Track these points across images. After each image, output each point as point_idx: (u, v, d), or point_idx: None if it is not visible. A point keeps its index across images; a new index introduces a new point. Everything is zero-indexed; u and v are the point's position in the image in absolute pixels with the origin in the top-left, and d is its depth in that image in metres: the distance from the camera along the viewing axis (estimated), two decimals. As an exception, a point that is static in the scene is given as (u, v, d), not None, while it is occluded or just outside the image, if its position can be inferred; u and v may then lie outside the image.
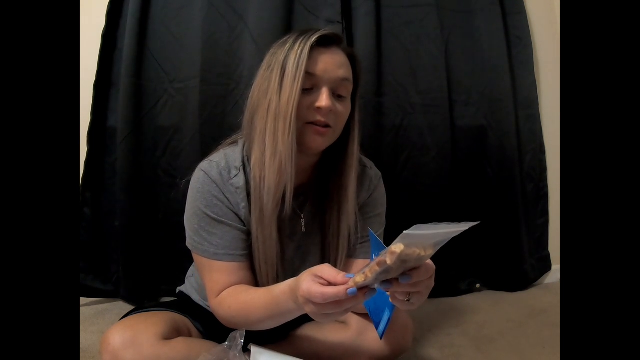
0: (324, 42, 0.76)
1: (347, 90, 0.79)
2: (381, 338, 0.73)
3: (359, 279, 0.55)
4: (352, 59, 0.81)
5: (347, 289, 0.56)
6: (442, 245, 0.53)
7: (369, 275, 0.54)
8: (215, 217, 0.77)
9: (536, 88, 1.58)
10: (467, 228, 0.49)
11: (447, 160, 1.46)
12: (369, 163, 0.92)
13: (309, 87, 0.75)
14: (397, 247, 0.49)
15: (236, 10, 1.35)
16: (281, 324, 0.73)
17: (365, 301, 0.70)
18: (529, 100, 1.57)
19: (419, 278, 0.55)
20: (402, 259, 0.50)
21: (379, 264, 0.52)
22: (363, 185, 0.88)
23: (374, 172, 0.92)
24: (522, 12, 1.55)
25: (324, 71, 0.75)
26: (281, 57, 0.75)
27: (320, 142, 0.77)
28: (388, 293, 0.70)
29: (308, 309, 0.61)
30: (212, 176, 0.78)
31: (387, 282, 0.56)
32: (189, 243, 0.80)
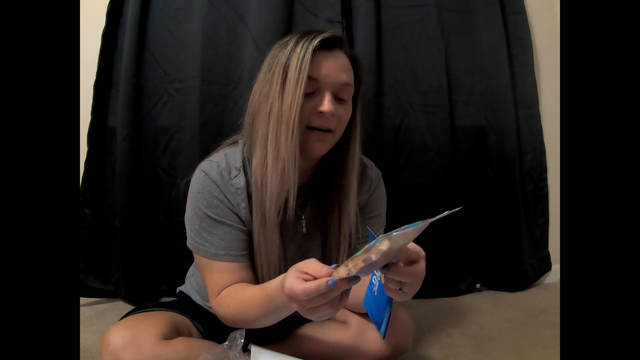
0: (326, 45, 0.75)
1: (348, 94, 0.79)
2: (384, 337, 0.72)
3: (342, 272, 0.55)
4: (354, 61, 0.81)
5: (328, 281, 0.55)
6: (421, 231, 0.55)
7: (353, 270, 0.54)
8: (216, 217, 0.77)
9: (536, 88, 1.58)
10: (446, 215, 0.53)
11: (447, 160, 1.46)
12: (369, 163, 0.92)
13: (311, 91, 0.74)
14: (384, 244, 0.51)
15: (236, 10, 1.35)
16: (279, 320, 0.72)
17: (367, 304, 0.70)
18: (529, 100, 1.57)
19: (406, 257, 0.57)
20: (386, 254, 0.52)
21: (364, 260, 0.53)
22: (363, 186, 0.88)
23: (374, 172, 0.92)
24: (522, 12, 1.55)
25: (327, 75, 0.74)
26: (283, 60, 0.74)
27: (321, 147, 0.77)
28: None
29: (295, 307, 0.60)
30: (212, 176, 0.78)
31: (385, 267, 0.56)
32: (189, 243, 0.80)
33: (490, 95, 1.50)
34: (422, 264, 0.58)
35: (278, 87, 0.73)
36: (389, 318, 0.70)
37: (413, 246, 0.57)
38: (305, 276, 0.58)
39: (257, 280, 0.80)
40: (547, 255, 1.64)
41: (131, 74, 1.32)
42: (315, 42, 0.73)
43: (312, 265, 0.59)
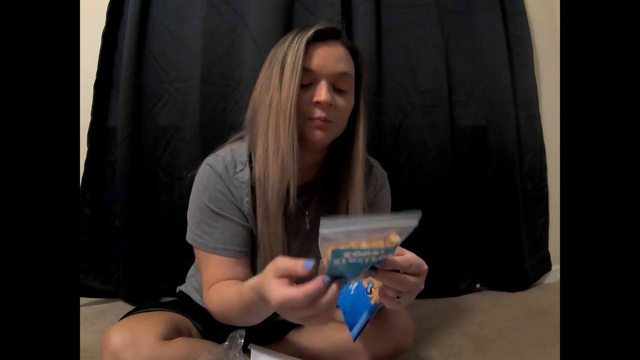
0: (321, 37, 0.76)
1: (347, 84, 0.78)
2: (354, 340, 0.71)
3: (323, 265, 0.51)
4: (354, 52, 0.81)
5: (323, 280, 0.50)
6: (383, 234, 0.49)
7: (325, 264, 0.51)
8: (218, 210, 0.77)
9: (536, 88, 1.59)
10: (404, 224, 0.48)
11: (447, 160, 1.47)
12: (375, 163, 0.93)
13: (308, 82, 0.75)
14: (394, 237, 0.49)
15: (236, 10, 1.36)
16: (261, 320, 0.70)
17: (342, 303, 0.69)
18: (529, 100, 1.57)
19: (393, 266, 0.53)
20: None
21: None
22: (369, 185, 0.88)
23: (380, 171, 0.92)
24: (522, 12, 1.56)
25: (321, 66, 0.75)
26: (280, 55, 0.75)
27: (321, 136, 0.77)
28: (370, 295, 0.69)
29: (291, 317, 0.54)
30: (217, 170, 0.78)
31: (373, 269, 0.53)
32: (188, 236, 0.80)
33: (490, 95, 1.51)
34: (420, 279, 0.57)
35: (277, 81, 0.74)
36: (365, 324, 0.69)
37: (414, 262, 0.55)
38: (283, 280, 0.53)
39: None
40: (547, 255, 1.64)
41: (131, 74, 1.32)
42: (309, 33, 0.74)
43: (282, 263, 0.54)
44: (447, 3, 1.49)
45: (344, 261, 0.49)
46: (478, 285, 1.58)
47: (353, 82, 0.80)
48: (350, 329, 0.71)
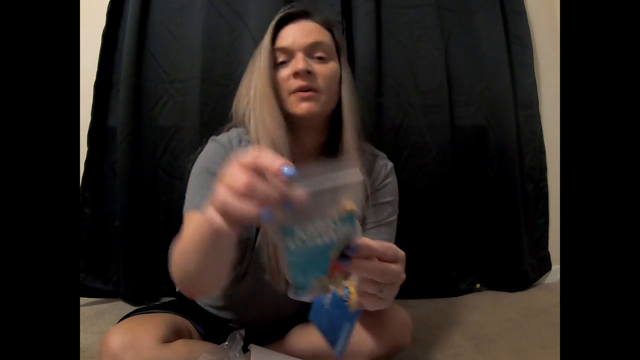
0: (291, 19, 0.82)
1: (325, 52, 0.81)
2: (341, 354, 0.63)
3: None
4: (327, 25, 0.85)
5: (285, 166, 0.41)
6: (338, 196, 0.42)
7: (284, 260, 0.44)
8: (216, 173, 0.77)
9: (536, 88, 1.59)
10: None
11: (447, 160, 1.47)
12: (381, 154, 0.94)
13: (285, 59, 0.80)
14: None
15: (236, 10, 1.36)
16: (220, 265, 0.58)
17: (315, 317, 0.64)
18: (529, 100, 1.57)
19: (368, 251, 0.48)
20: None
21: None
22: (374, 171, 0.89)
23: (386, 162, 0.93)
24: (522, 12, 1.56)
25: (292, 42, 0.80)
26: (260, 46, 0.82)
27: (308, 106, 0.78)
28: (348, 303, 0.64)
29: (224, 182, 0.44)
30: (221, 142, 0.81)
31: (345, 258, 0.47)
32: (185, 209, 0.79)
33: (490, 95, 1.51)
34: (400, 266, 0.52)
35: (257, 69, 0.81)
36: (348, 336, 0.62)
37: (389, 246, 0.51)
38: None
39: (242, 259, 0.80)
40: (547, 255, 1.64)
41: (131, 74, 1.32)
42: (278, 17, 0.81)
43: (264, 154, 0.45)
44: (447, 3, 1.49)
45: (299, 243, 0.42)
46: (478, 285, 1.58)
47: (332, 50, 0.83)
48: (333, 346, 0.64)
